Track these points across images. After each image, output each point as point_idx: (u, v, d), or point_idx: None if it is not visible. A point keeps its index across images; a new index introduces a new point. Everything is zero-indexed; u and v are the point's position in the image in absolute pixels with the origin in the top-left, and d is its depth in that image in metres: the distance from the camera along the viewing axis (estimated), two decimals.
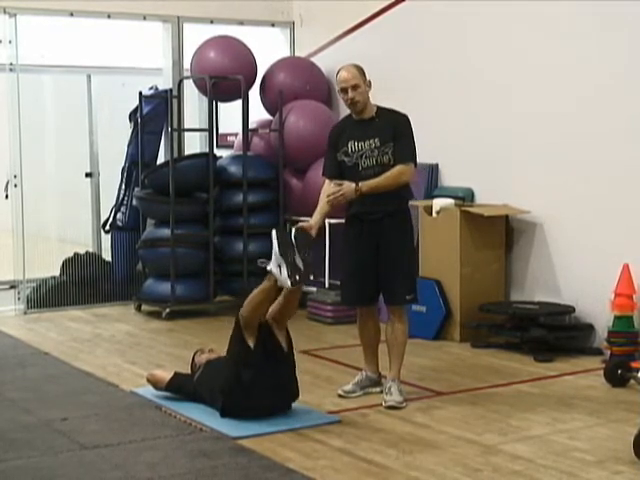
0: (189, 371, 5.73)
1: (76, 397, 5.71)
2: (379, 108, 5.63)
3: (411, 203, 5.81)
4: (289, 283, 4.99)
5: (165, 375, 5.63)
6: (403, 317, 5.67)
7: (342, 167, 5.65)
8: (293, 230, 5.17)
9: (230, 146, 9.33)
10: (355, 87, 5.49)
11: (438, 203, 7.43)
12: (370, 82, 5.58)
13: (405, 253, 5.63)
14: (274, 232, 5.14)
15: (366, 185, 5.47)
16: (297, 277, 4.99)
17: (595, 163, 6.85)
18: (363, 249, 5.62)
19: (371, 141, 5.53)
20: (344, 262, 5.83)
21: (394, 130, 5.54)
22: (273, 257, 5.05)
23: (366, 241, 5.60)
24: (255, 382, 5.07)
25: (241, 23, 9.46)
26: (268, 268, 5.06)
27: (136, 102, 8.97)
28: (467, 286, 7.21)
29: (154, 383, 5.64)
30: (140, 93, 8.93)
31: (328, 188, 5.64)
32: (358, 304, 5.83)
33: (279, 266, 5.00)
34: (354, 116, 5.65)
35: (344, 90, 5.53)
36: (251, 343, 5.10)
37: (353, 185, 5.46)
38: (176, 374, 5.62)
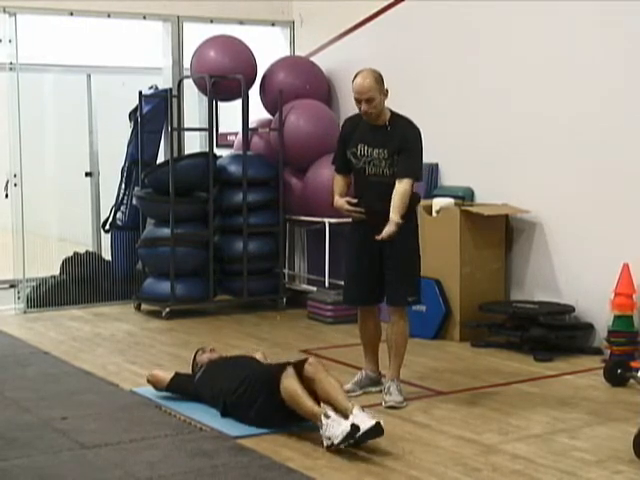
0: (190, 370, 5.73)
1: (76, 396, 5.71)
2: (393, 115, 5.54)
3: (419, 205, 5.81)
4: (325, 443, 4.67)
5: (165, 375, 5.62)
6: (404, 317, 5.65)
7: (350, 165, 5.65)
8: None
9: (230, 145, 9.33)
10: (369, 100, 5.40)
11: (438, 203, 7.43)
12: (387, 90, 5.48)
13: (409, 254, 5.61)
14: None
15: (397, 216, 5.35)
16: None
17: (595, 163, 6.85)
18: (368, 250, 5.59)
19: (380, 150, 5.49)
20: (348, 262, 5.82)
21: (401, 143, 5.46)
22: (336, 431, 4.63)
23: (369, 242, 5.55)
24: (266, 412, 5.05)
25: (241, 22, 9.46)
26: (325, 422, 4.67)
27: (136, 101, 8.97)
28: (467, 286, 7.21)
29: (154, 383, 5.63)
30: (140, 92, 8.92)
31: (341, 201, 5.61)
32: (360, 304, 5.83)
33: (329, 438, 4.65)
34: (368, 121, 5.55)
35: (358, 100, 5.45)
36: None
37: (393, 227, 5.33)
38: (177, 374, 5.62)
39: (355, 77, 5.48)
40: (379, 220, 5.44)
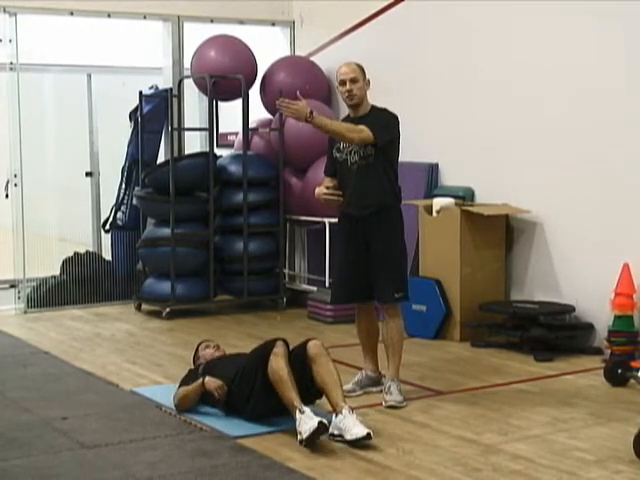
0: (191, 362, 5.71)
1: (76, 396, 5.72)
2: (373, 107, 5.65)
3: (404, 202, 5.81)
4: (298, 437, 4.73)
5: (187, 394, 5.32)
6: (397, 315, 5.65)
7: (335, 163, 5.69)
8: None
9: (230, 145, 9.33)
10: (354, 80, 5.52)
11: (438, 202, 7.43)
12: (369, 81, 5.60)
13: (392, 251, 5.61)
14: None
15: (319, 117, 5.47)
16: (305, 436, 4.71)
17: (595, 163, 6.85)
18: (352, 248, 5.64)
19: None
20: (335, 260, 5.88)
21: (378, 122, 5.53)
22: (305, 427, 4.69)
23: (355, 239, 5.62)
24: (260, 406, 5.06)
25: (241, 22, 9.47)
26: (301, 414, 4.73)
27: (136, 101, 8.98)
28: (467, 286, 7.20)
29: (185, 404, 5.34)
30: (140, 92, 8.93)
31: (319, 188, 5.72)
32: (346, 302, 5.91)
33: (300, 433, 4.71)
34: (351, 114, 5.66)
35: (343, 82, 5.56)
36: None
37: (308, 109, 5.40)
38: (185, 383, 5.39)
39: (339, 68, 5.64)
40: (363, 212, 5.54)
